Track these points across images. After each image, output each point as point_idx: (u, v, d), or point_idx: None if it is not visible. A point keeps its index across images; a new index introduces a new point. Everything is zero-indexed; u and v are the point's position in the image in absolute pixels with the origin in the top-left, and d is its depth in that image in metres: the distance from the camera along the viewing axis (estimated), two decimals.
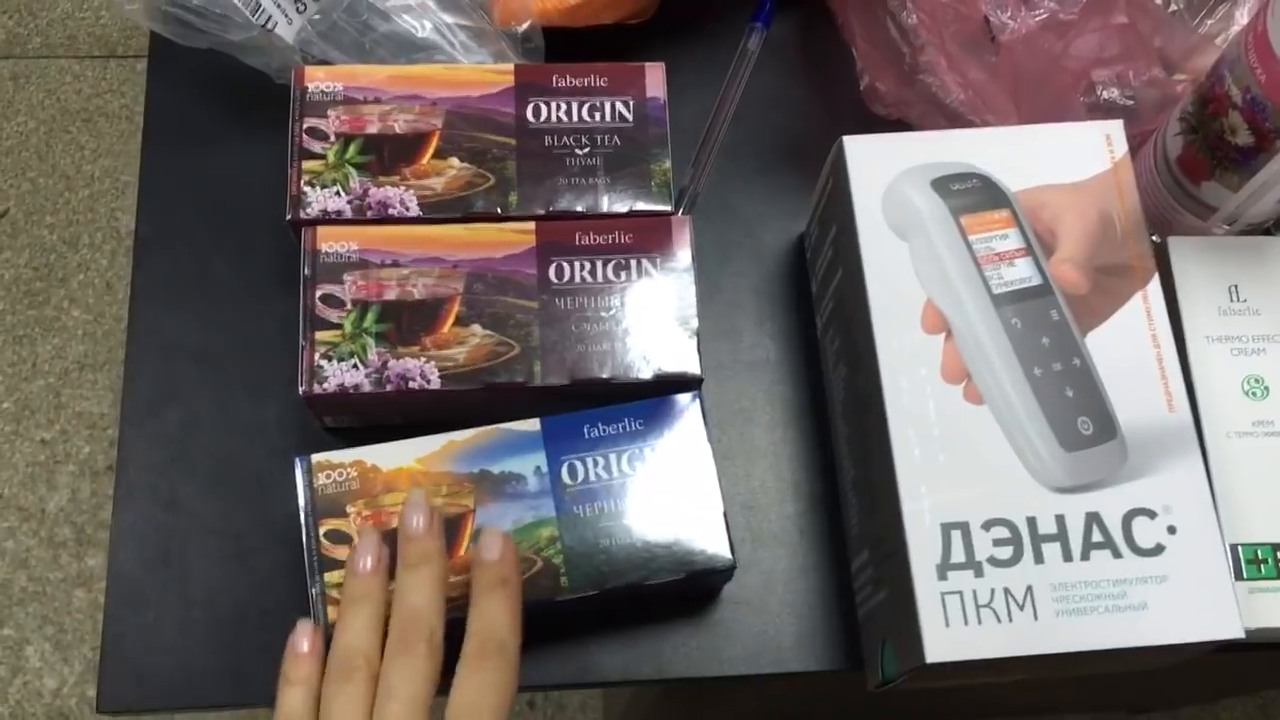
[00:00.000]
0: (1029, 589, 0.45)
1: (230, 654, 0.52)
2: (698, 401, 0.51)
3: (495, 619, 0.44)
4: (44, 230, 1.50)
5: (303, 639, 0.45)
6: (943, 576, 0.45)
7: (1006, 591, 0.45)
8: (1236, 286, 0.54)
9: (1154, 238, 0.57)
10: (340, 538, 0.49)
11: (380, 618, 0.45)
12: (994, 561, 0.45)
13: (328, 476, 0.49)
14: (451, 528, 0.49)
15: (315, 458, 0.50)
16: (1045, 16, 0.53)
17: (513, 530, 0.49)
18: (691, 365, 0.52)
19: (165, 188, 0.59)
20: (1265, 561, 0.50)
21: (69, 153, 1.54)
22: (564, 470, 0.50)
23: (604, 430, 0.51)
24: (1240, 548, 0.50)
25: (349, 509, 0.49)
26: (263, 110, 0.58)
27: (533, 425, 0.51)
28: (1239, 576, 0.49)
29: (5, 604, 1.32)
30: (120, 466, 0.54)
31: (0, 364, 1.44)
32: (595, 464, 0.50)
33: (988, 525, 0.46)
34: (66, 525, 1.36)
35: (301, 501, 0.49)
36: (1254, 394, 0.52)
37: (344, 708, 0.43)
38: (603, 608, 0.52)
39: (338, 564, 0.48)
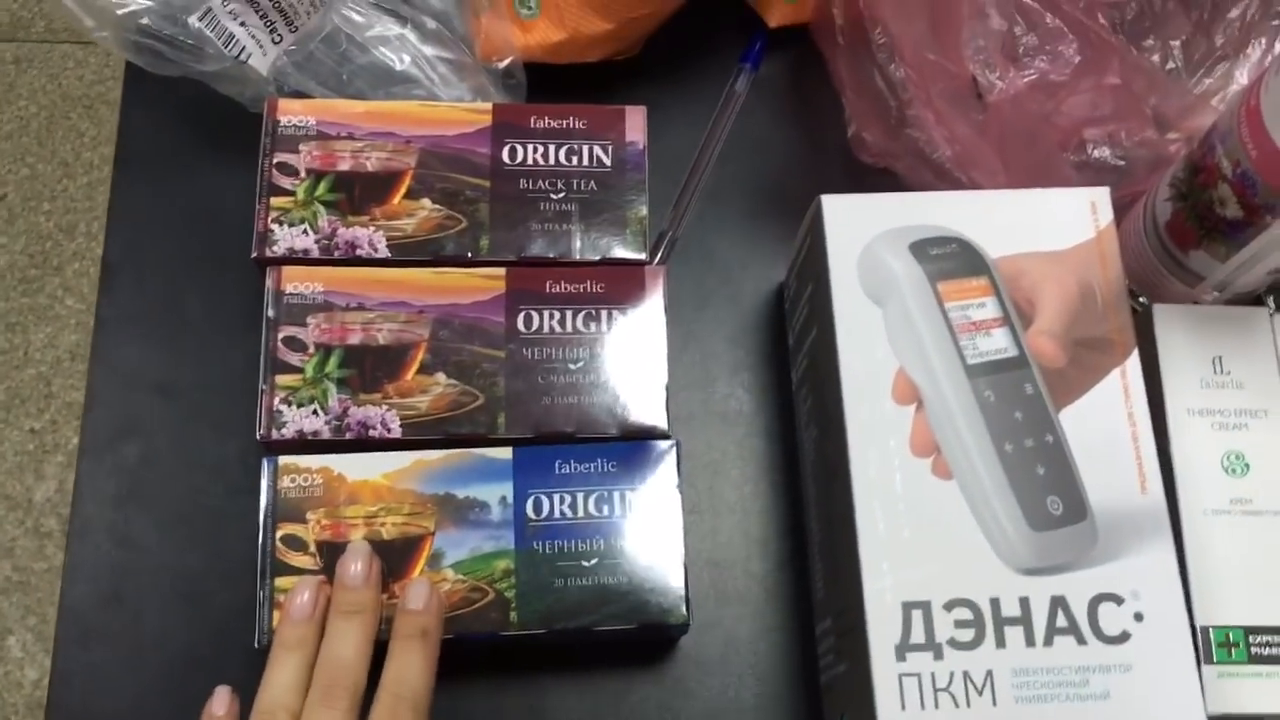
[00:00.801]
0: (989, 674, 0.44)
1: (179, 697, 0.51)
2: (674, 450, 0.50)
3: (410, 674, 0.44)
4: (40, 217, 1.49)
5: (219, 703, 0.45)
6: (901, 657, 0.44)
7: (966, 675, 0.44)
8: (1221, 358, 0.53)
9: (1141, 300, 0.56)
10: (296, 544, 0.48)
11: (308, 666, 0.45)
12: (954, 644, 0.44)
13: (292, 480, 0.49)
14: (409, 549, 0.48)
15: (283, 460, 0.49)
16: (1035, 77, 0.51)
17: (469, 558, 0.48)
18: (659, 421, 0.51)
19: (135, 215, 0.58)
20: (1236, 645, 0.49)
21: (69, 139, 1.53)
22: (529, 504, 0.49)
23: (575, 468, 0.50)
24: (1211, 630, 0.49)
25: (309, 516, 0.48)
26: (239, 139, 0.57)
27: (505, 453, 0.50)
28: (1208, 660, 0.48)
29: None
30: (75, 500, 0.53)
31: None
32: (561, 501, 0.49)
33: (950, 605, 0.45)
34: (53, 516, 1.35)
35: (263, 502, 0.48)
36: (1234, 470, 0.51)
37: None
38: (553, 648, 0.51)
39: (289, 569, 0.48)
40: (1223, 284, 0.53)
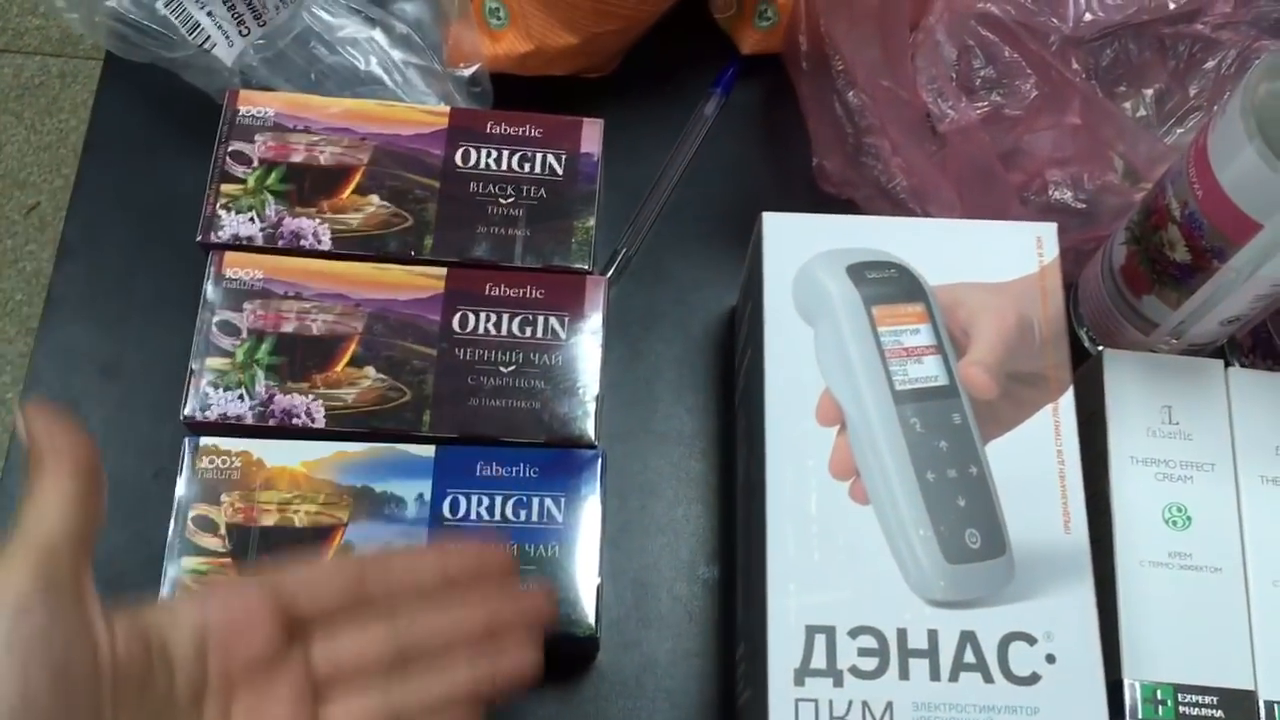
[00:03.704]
0: (889, 705, 0.43)
1: None
2: (599, 461, 0.50)
3: None
4: None
5: None
6: (800, 682, 0.43)
7: (865, 705, 0.43)
8: (1170, 408, 0.51)
9: (1100, 349, 0.55)
10: (207, 524, 0.48)
11: None
12: (856, 672, 0.43)
13: (211, 462, 0.49)
14: (319, 538, 0.48)
15: (204, 441, 0.49)
16: (988, 109, 0.51)
17: None
18: (587, 431, 0.50)
19: (98, 196, 0.59)
20: (1164, 703, 0.47)
21: None
22: (446, 503, 0.49)
23: (496, 470, 0.49)
24: (1139, 685, 0.47)
25: (223, 498, 0.48)
26: (205, 130, 0.57)
27: (427, 451, 0.49)
28: (1134, 716, 0.46)
29: None
30: (5, 473, 0.53)
31: (12, 355, 1.45)
32: (479, 503, 0.49)
33: (855, 633, 0.43)
34: None
35: (180, 482, 0.48)
36: (1175, 523, 0.49)
37: None
38: None
39: (198, 550, 0.47)
40: (1177, 331, 0.52)
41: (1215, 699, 0.47)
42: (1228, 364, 0.52)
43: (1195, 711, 0.47)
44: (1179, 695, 0.47)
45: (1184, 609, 0.48)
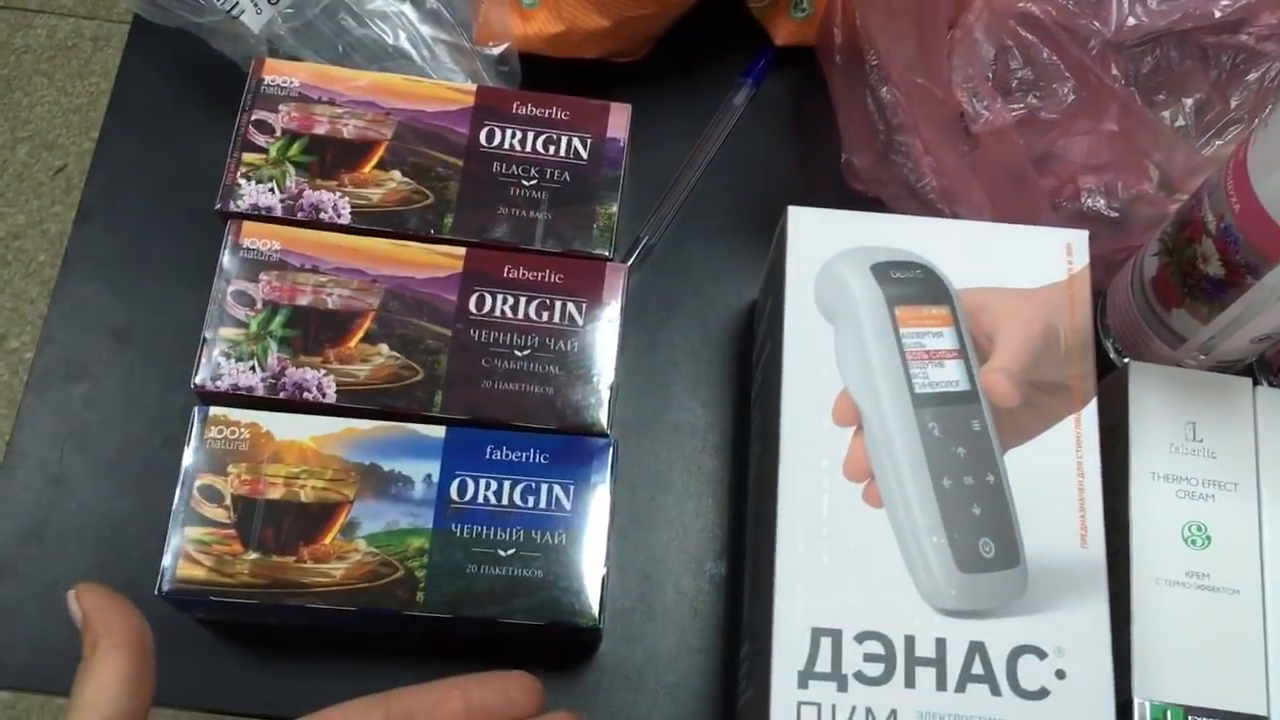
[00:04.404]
0: (893, 713, 0.42)
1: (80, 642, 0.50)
2: (610, 450, 0.49)
3: None
4: None
5: None
6: (803, 685, 0.42)
7: (869, 711, 0.42)
8: (1195, 425, 0.50)
9: (1125, 361, 0.54)
10: (213, 495, 0.47)
11: None
12: (861, 677, 0.42)
13: (220, 432, 0.48)
14: (324, 514, 0.47)
15: (213, 410, 0.48)
16: (1024, 112, 0.50)
17: (383, 531, 0.47)
18: (600, 419, 0.49)
19: (119, 160, 0.58)
20: None
21: None
22: (454, 485, 0.48)
23: (506, 455, 0.49)
24: (1149, 705, 0.46)
25: (230, 469, 0.48)
26: (231, 97, 0.57)
27: (437, 432, 0.49)
28: None
29: None
30: (14, 434, 0.53)
31: (33, 315, 1.45)
32: (487, 486, 0.48)
33: (861, 638, 0.43)
34: None
35: (187, 450, 0.48)
36: (1194, 542, 0.49)
37: None
38: (463, 642, 0.49)
39: (203, 520, 0.47)
40: (1205, 347, 0.51)
41: None
42: (1256, 383, 0.51)
43: None
44: (1190, 717, 0.46)
45: (1199, 630, 0.47)
